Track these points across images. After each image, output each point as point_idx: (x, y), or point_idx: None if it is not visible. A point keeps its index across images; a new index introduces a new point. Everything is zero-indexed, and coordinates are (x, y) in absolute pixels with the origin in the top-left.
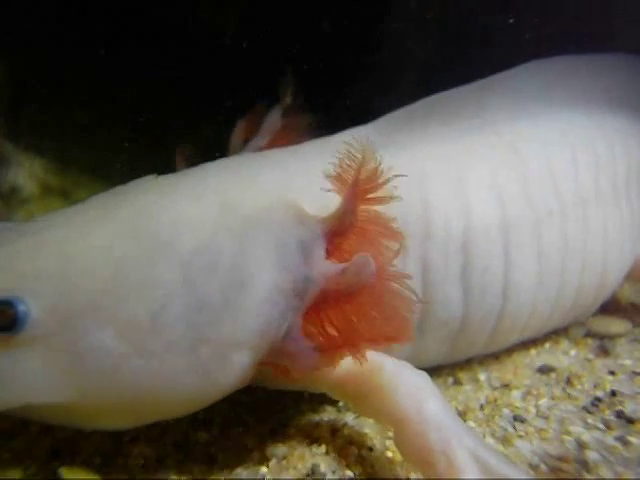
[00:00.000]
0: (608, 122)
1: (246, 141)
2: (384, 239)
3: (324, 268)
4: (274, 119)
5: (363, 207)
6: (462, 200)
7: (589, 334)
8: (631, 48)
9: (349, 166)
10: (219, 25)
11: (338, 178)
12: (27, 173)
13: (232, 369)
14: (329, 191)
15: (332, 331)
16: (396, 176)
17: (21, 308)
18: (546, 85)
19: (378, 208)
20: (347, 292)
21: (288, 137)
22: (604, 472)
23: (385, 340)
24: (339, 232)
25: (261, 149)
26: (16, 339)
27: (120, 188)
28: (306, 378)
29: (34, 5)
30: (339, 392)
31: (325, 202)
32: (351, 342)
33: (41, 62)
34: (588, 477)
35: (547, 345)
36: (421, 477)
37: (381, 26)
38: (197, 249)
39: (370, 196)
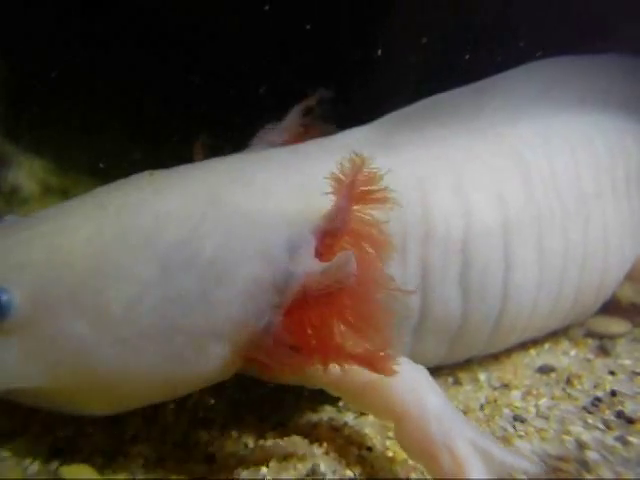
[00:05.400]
0: (607, 122)
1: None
2: (376, 245)
3: (308, 266)
4: (294, 117)
5: (358, 209)
6: (462, 201)
7: (589, 334)
8: (630, 48)
9: (347, 168)
10: (220, 25)
11: (336, 179)
12: (27, 173)
13: (209, 358)
14: (327, 192)
15: (310, 334)
16: (394, 179)
17: (4, 298)
18: (545, 86)
19: (375, 212)
20: (327, 292)
21: (306, 136)
22: (604, 472)
23: (359, 360)
24: (330, 232)
25: (277, 145)
26: (0, 327)
27: (118, 182)
28: (300, 373)
29: (34, 5)
30: (336, 388)
31: (321, 203)
32: (324, 350)
33: (41, 62)
34: (588, 477)
35: (547, 345)
36: (422, 477)
37: (385, 24)
38: (177, 243)
39: (366, 198)
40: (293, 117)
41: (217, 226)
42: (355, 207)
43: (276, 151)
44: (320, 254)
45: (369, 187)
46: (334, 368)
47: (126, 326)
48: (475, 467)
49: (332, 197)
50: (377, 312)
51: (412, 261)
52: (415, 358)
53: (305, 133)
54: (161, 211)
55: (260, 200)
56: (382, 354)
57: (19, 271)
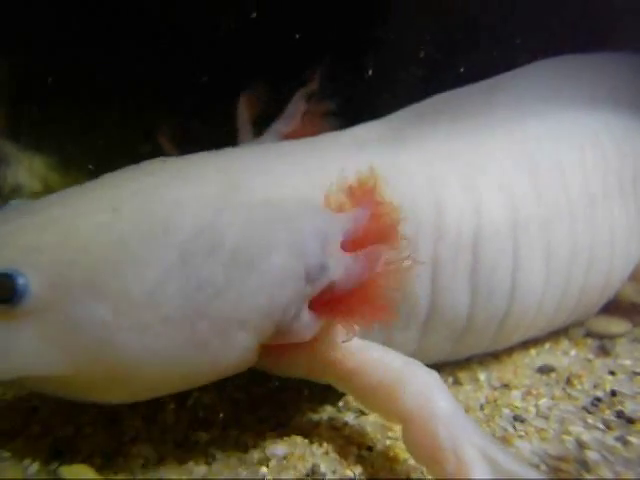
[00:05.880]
0: (615, 121)
1: (253, 116)
2: (387, 241)
3: (340, 258)
4: (298, 104)
5: (377, 210)
6: (473, 200)
7: (589, 334)
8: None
9: (369, 178)
10: (219, 24)
11: (360, 180)
12: (28, 172)
13: (233, 347)
14: (348, 189)
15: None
16: (406, 177)
17: (20, 281)
18: (554, 84)
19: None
20: (356, 282)
21: (311, 123)
22: (604, 472)
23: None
24: (353, 229)
25: (284, 134)
26: (15, 312)
27: (130, 168)
28: (313, 365)
29: (34, 5)
30: (345, 384)
31: (337, 197)
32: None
33: (41, 62)
34: (588, 477)
35: (547, 345)
36: (422, 477)
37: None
38: (198, 229)
39: (382, 204)
40: (297, 104)
41: (240, 214)
42: (374, 212)
43: (291, 143)
44: (342, 247)
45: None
46: (348, 362)
47: (148, 311)
48: (480, 474)
49: (356, 194)
50: (390, 306)
51: (423, 259)
52: (420, 354)
53: (310, 120)
54: (180, 196)
55: (282, 191)
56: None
57: (34, 254)
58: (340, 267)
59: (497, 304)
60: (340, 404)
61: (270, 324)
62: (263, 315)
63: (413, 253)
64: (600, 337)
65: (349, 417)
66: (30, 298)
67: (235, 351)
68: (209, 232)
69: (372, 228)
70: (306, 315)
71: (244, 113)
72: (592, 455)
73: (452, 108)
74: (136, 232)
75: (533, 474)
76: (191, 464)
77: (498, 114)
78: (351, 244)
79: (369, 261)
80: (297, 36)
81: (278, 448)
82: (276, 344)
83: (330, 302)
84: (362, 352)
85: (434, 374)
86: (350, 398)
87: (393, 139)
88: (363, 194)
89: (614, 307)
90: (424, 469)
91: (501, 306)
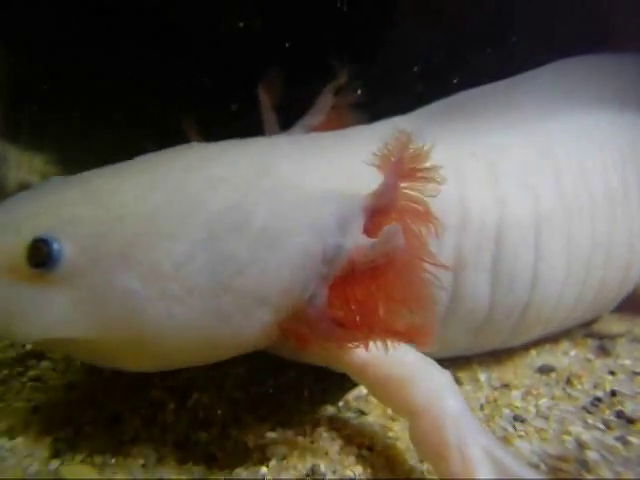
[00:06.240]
0: (634, 121)
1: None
2: (421, 223)
3: (358, 240)
4: (327, 98)
5: (406, 186)
6: (497, 193)
7: (589, 334)
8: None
9: (394, 146)
10: (221, 24)
11: (383, 157)
12: (28, 171)
13: (253, 322)
14: (373, 170)
15: (354, 309)
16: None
17: (55, 247)
18: (574, 84)
19: (418, 193)
20: (374, 266)
21: (338, 116)
22: (604, 472)
23: (401, 336)
24: (379, 210)
25: (313, 127)
26: (49, 276)
27: (167, 150)
28: (328, 353)
29: (34, 5)
30: (358, 375)
31: (368, 182)
32: (368, 325)
33: (41, 62)
34: (588, 477)
35: (547, 345)
36: (422, 477)
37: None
38: (227, 207)
39: (414, 175)
40: (325, 98)
41: (268, 195)
42: (403, 184)
43: (318, 135)
44: (369, 231)
45: (416, 165)
46: (363, 352)
47: (176, 282)
48: (484, 473)
49: (379, 175)
50: (421, 287)
51: (447, 249)
52: (440, 346)
53: (337, 114)
54: (211, 175)
55: (309, 176)
56: (422, 329)
57: (70, 224)
58: (355, 249)
59: (518, 294)
60: (340, 404)
61: (288, 303)
62: (282, 294)
63: (436, 242)
64: (600, 337)
65: (349, 417)
66: (64, 264)
67: (255, 326)
68: (236, 211)
69: (402, 199)
70: (323, 300)
71: (267, 103)
72: (592, 455)
73: (474, 105)
74: (167, 207)
75: (536, 475)
76: (191, 464)
77: (518, 112)
78: (380, 218)
79: (387, 242)
80: (296, 37)
81: (278, 448)
82: (295, 330)
83: (351, 314)
84: None
85: (446, 373)
86: (350, 398)
87: (417, 134)
88: (388, 165)
89: (628, 304)
90: (424, 469)
91: (522, 296)
